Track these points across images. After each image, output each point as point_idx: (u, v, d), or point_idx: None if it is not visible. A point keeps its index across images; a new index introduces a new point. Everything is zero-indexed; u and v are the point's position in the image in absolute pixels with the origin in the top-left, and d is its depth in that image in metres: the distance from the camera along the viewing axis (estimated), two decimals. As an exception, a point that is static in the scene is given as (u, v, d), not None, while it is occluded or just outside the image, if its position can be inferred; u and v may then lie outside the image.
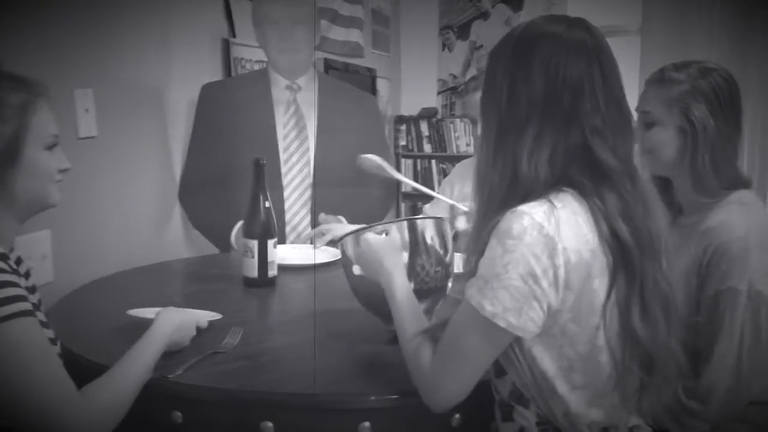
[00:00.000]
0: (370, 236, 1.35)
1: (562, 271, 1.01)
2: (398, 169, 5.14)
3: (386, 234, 1.37)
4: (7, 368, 1.00)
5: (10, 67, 1.13)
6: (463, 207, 1.78)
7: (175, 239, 2.41)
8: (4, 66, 1.13)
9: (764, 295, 1.32)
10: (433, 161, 5.14)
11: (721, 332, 1.33)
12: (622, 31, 4.78)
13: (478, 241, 1.08)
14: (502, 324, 1.02)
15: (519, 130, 1.07)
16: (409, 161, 5.18)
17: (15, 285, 1.04)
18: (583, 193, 1.05)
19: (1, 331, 0.99)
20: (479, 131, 1.21)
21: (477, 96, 2.04)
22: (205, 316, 1.42)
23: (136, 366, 1.17)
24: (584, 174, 1.06)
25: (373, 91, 4.35)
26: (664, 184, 1.50)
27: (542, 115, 1.06)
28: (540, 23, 1.11)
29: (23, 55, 1.65)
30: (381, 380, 1.24)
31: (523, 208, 1.03)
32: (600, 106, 1.07)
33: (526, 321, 1.02)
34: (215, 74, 2.58)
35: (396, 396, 1.19)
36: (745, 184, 1.45)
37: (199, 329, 1.38)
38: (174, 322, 1.28)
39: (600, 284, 1.04)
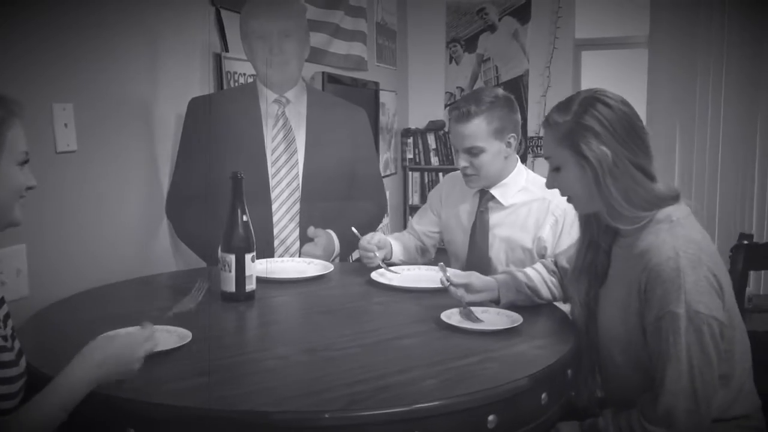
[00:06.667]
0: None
1: None
2: (405, 181, 5.14)
3: None
4: None
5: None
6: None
7: (164, 253, 2.41)
8: None
9: (703, 315, 1.30)
10: (441, 174, 5.11)
11: (669, 357, 1.32)
12: (630, 43, 4.74)
13: None
14: None
15: None
16: (417, 174, 5.17)
17: None
18: None
19: None
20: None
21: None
22: (159, 337, 1.31)
23: (46, 408, 1.12)
24: None
25: (376, 104, 4.34)
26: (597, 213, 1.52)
27: None
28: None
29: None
30: (340, 397, 1.21)
31: None
32: None
33: None
34: (206, 88, 2.58)
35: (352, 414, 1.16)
36: (671, 199, 1.43)
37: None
38: (95, 359, 1.18)
39: None
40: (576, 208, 1.54)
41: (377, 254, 2.08)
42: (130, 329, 1.30)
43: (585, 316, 1.55)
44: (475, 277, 1.73)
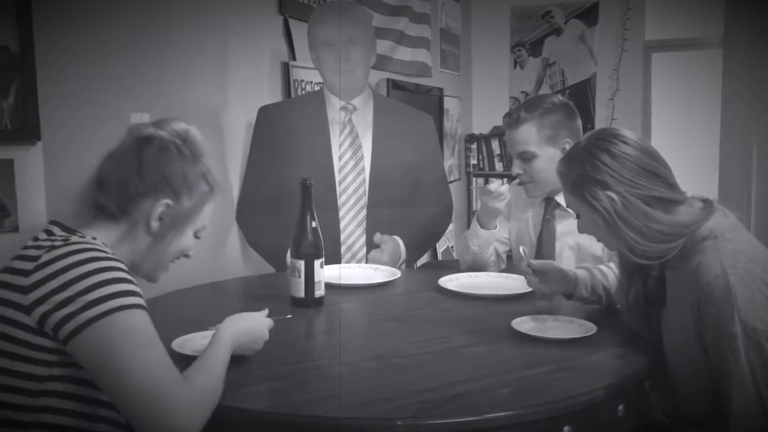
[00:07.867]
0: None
1: None
2: (469, 187, 5.10)
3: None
4: (125, 352, 1.09)
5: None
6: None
7: (234, 259, 2.46)
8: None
9: (761, 330, 1.26)
10: (505, 180, 5.06)
11: (732, 378, 1.27)
12: (703, 44, 4.59)
13: None
14: None
15: None
16: (480, 180, 5.12)
17: (133, 282, 1.16)
18: None
19: (123, 317, 1.10)
20: None
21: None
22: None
23: (217, 360, 1.22)
24: None
25: (441, 110, 4.33)
26: None
27: None
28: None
29: (77, 78, 1.73)
30: (409, 406, 1.20)
31: None
32: None
33: None
34: (275, 96, 2.62)
35: (424, 423, 1.15)
36: (698, 222, 1.38)
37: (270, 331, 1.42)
38: (230, 331, 1.30)
39: None
40: (610, 247, 1.55)
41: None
42: (252, 313, 1.40)
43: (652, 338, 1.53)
44: (551, 267, 1.73)
